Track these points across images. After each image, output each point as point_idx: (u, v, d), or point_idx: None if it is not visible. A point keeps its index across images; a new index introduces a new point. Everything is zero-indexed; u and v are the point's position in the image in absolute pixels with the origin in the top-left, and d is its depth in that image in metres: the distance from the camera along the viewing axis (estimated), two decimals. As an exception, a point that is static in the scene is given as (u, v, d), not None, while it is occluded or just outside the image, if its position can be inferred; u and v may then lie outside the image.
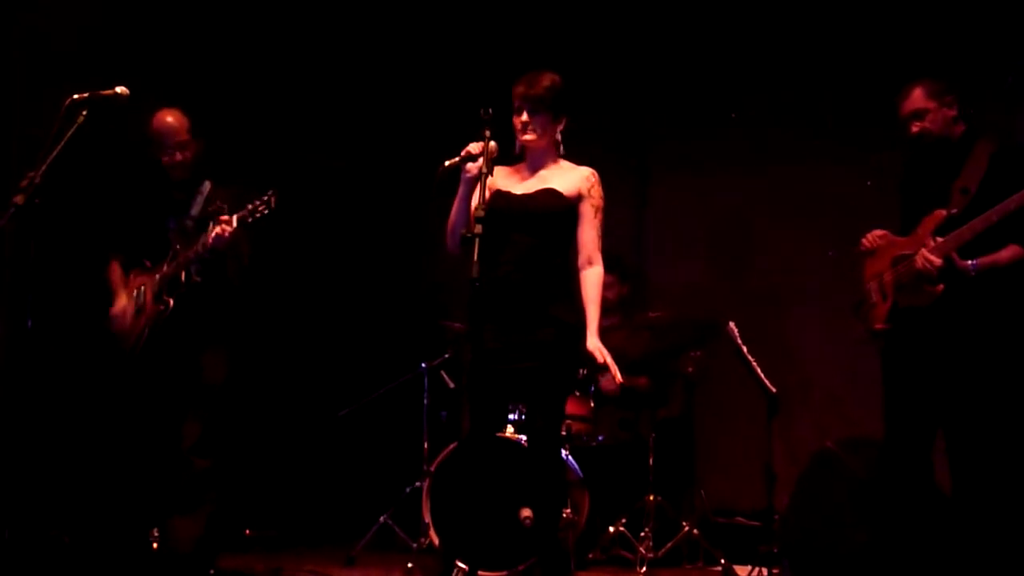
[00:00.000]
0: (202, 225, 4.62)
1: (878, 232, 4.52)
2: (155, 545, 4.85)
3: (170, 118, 4.78)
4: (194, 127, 4.80)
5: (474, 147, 3.98)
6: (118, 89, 4.10)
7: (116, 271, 4.95)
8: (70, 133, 3.96)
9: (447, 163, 3.98)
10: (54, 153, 3.88)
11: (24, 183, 3.78)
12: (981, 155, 4.20)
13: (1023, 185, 3.96)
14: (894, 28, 5.98)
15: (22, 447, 4.76)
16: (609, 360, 4.08)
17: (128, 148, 5.35)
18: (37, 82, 5.51)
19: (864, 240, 4.55)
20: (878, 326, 4.44)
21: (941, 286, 4.13)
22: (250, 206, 4.44)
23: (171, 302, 4.65)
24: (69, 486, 5.46)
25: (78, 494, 5.46)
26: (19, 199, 3.76)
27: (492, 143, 3.99)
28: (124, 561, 4.88)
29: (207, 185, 4.85)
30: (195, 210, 4.79)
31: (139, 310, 4.79)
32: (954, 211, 4.16)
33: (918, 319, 4.26)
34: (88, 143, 4.00)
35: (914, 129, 4.31)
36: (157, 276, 4.73)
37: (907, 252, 4.29)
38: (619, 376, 4.10)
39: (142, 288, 4.80)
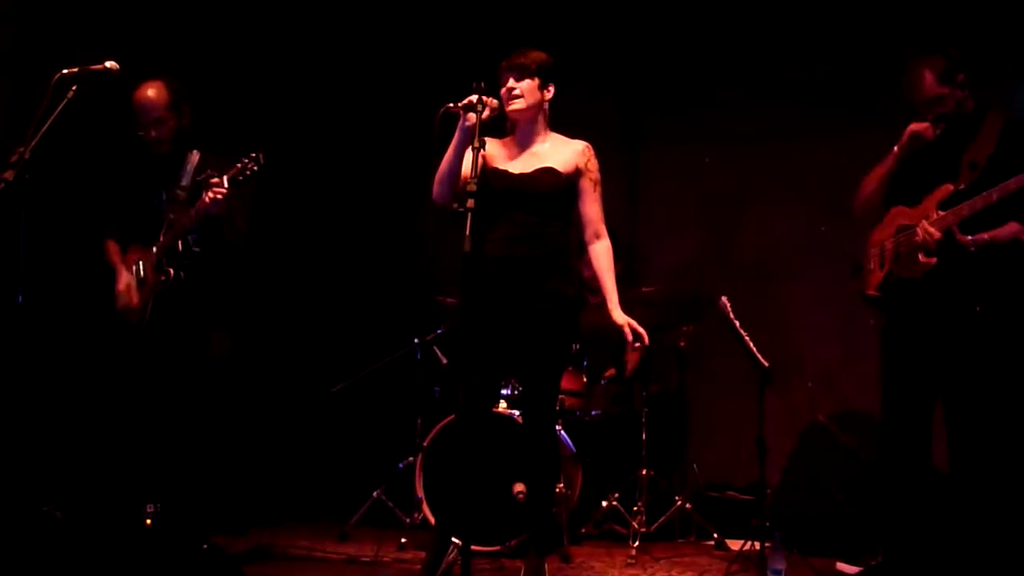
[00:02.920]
0: (195, 195, 4.61)
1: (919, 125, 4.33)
2: (148, 521, 4.85)
3: (149, 92, 4.72)
4: (175, 98, 4.76)
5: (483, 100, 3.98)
6: (108, 64, 4.10)
7: (113, 248, 4.96)
8: (60, 108, 3.95)
9: (450, 105, 3.98)
10: (43, 129, 3.86)
11: (13, 159, 3.76)
12: (991, 129, 4.17)
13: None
14: (883, 5, 5.97)
15: (14, 423, 4.76)
16: (640, 329, 4.13)
17: (115, 122, 5.25)
18: (25, 57, 5.47)
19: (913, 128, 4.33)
20: (869, 292, 4.46)
21: (935, 259, 4.14)
22: (239, 164, 4.44)
23: (171, 272, 4.67)
24: (62, 462, 5.46)
25: (71, 470, 5.45)
26: (8, 175, 3.74)
27: (493, 99, 4.01)
28: (117, 537, 4.88)
29: (195, 155, 4.82)
30: (185, 180, 4.76)
31: (140, 284, 4.80)
32: (962, 186, 4.16)
33: (911, 292, 4.26)
34: (77, 117, 4.00)
35: (932, 116, 4.25)
36: (154, 248, 4.74)
37: (911, 223, 4.28)
38: (647, 338, 4.14)
39: (140, 262, 4.81)
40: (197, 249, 4.71)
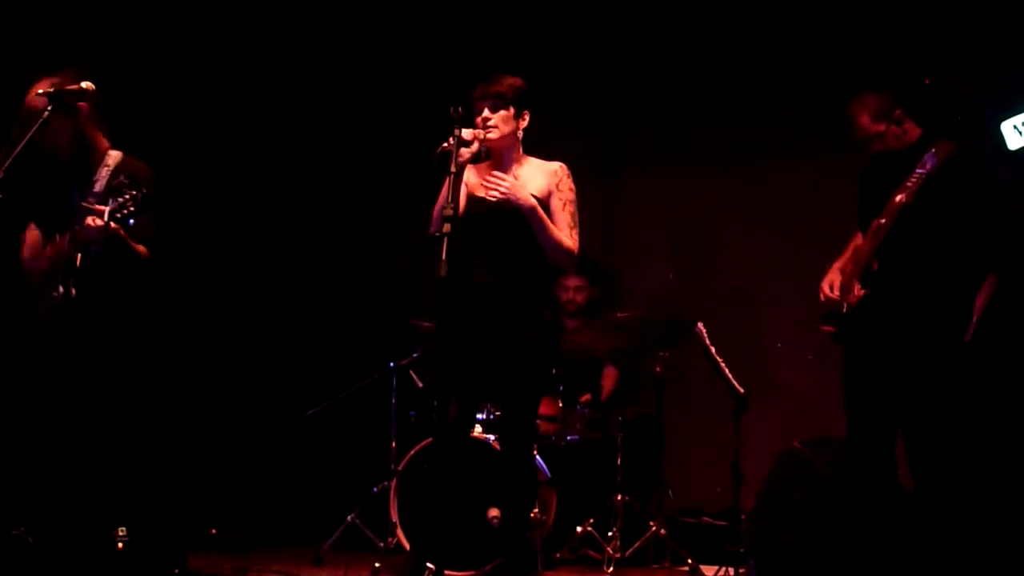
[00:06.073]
0: (104, 202, 4.09)
1: (828, 278, 4.49)
2: (120, 545, 4.80)
3: (28, 100, 4.13)
4: (57, 102, 4.07)
5: (466, 133, 3.99)
6: (83, 84, 4.05)
7: (30, 234, 4.47)
8: (35, 127, 3.92)
9: (444, 145, 3.97)
10: (19, 148, 3.83)
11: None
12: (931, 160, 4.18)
13: (960, 196, 4.07)
14: (862, 26, 6.03)
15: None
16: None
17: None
18: None
19: (821, 293, 4.52)
20: (824, 328, 4.48)
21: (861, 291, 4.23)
22: (119, 200, 3.99)
23: (61, 290, 4.18)
24: (32, 485, 5.40)
25: (42, 493, 5.40)
26: (-18, 194, 3.70)
27: (479, 132, 4.04)
28: (89, 561, 4.83)
29: (115, 156, 4.35)
30: (99, 185, 4.27)
31: (42, 292, 4.33)
32: (883, 221, 4.20)
33: (855, 320, 4.31)
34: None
35: (875, 149, 4.33)
36: (56, 255, 4.27)
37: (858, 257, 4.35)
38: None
39: (50, 267, 4.33)
40: (100, 260, 4.19)
